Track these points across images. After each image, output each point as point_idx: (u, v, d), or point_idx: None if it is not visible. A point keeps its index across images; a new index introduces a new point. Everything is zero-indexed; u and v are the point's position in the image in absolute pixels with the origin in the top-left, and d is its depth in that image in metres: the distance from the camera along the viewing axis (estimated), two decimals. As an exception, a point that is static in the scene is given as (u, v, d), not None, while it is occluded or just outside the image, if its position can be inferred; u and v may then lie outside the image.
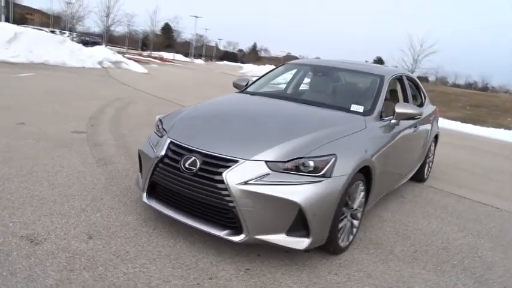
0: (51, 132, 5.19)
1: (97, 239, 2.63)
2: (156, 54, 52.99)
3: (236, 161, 2.48)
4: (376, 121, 3.31)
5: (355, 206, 2.91)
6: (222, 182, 2.44)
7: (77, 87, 10.35)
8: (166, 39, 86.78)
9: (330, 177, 2.50)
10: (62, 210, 2.98)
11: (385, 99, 3.57)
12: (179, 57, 61.15)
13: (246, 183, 2.41)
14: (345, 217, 2.82)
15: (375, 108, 3.38)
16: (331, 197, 2.50)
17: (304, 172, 2.48)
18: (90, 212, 3.02)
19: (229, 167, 2.46)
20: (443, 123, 13.74)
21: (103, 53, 18.39)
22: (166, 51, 69.46)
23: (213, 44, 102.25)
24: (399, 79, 4.14)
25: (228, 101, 3.69)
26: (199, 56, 78.63)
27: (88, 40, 44.68)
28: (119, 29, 73.03)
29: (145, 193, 2.90)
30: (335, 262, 2.76)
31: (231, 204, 2.43)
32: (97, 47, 20.46)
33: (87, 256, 2.42)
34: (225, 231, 2.51)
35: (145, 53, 54.13)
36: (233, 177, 2.43)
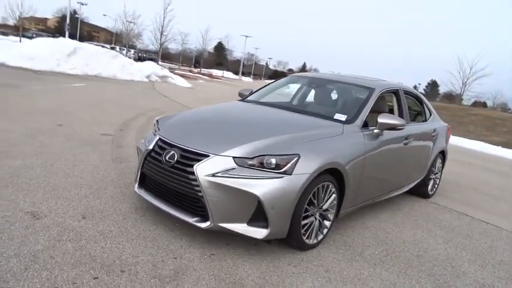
0: (83, 134, 5.80)
1: (89, 219, 3.03)
2: (205, 71, 55.01)
3: (207, 156, 2.79)
4: (357, 129, 3.49)
5: (324, 206, 3.10)
6: (192, 173, 2.75)
7: (120, 97, 11.21)
8: (218, 57, 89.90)
9: (290, 174, 2.73)
10: (68, 196, 3.43)
11: (375, 111, 3.73)
12: (228, 74, 62.98)
13: (213, 175, 2.71)
14: (312, 215, 3.02)
15: (357, 117, 3.56)
16: (290, 193, 2.72)
17: (267, 168, 2.73)
18: (91, 198, 3.45)
19: (200, 160, 2.78)
20: (483, 147, 13.24)
21: (151, 68, 19.59)
22: (217, 69, 71.87)
23: (263, 63, 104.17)
24: (395, 93, 4.27)
25: (223, 107, 4.03)
26: (248, 74, 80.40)
27: (144, 56, 47.54)
28: (173, 47, 76.85)
29: (137, 183, 3.28)
30: (298, 257, 2.96)
31: (199, 193, 2.73)
32: (146, 62, 21.82)
33: (76, 231, 2.81)
34: (195, 218, 2.81)
35: (195, 70, 56.41)
36: (203, 170, 2.73)
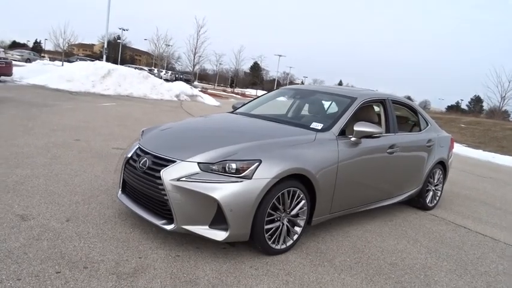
0: (96, 147, 6.17)
1: (72, 222, 3.26)
2: (239, 90, 55.98)
3: (174, 161, 2.96)
4: (332, 137, 3.54)
5: (293, 212, 3.16)
6: (159, 178, 2.93)
7: (145, 115, 11.73)
8: (253, 77, 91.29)
9: (250, 178, 2.84)
10: (60, 201, 3.70)
11: (363, 121, 3.73)
12: (262, 93, 63.71)
13: (178, 179, 2.87)
14: (278, 220, 3.09)
15: (333, 125, 3.63)
16: (249, 197, 2.83)
17: (229, 173, 2.86)
18: (81, 204, 3.70)
19: (167, 165, 2.95)
20: (508, 161, 12.66)
21: (180, 87, 20.31)
22: (252, 88, 72.96)
23: (298, 81, 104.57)
24: (382, 103, 4.29)
25: (207, 118, 4.22)
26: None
27: (181, 77, 49.28)
28: (209, 67, 79.01)
29: (119, 190, 3.50)
30: (263, 260, 3.03)
31: (165, 197, 2.90)
32: (176, 82, 22.62)
33: (55, 232, 3.04)
34: (162, 221, 2.97)
35: (229, 89, 57.57)
36: (169, 175, 2.90)
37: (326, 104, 4.34)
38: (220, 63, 72.28)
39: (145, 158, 3.12)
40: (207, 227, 2.86)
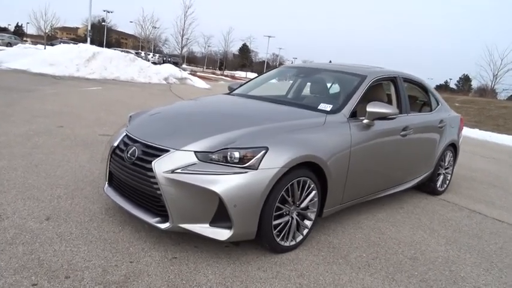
0: (81, 134, 5.72)
1: (52, 221, 2.87)
2: (228, 73, 55.17)
3: (167, 151, 2.57)
4: (343, 120, 3.18)
5: (303, 204, 2.81)
6: (151, 170, 2.54)
7: (132, 99, 11.21)
8: (242, 59, 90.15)
9: (256, 169, 2.47)
10: (40, 196, 3.29)
11: (371, 100, 3.39)
12: (252, 75, 62.93)
13: (172, 171, 2.48)
14: (287, 214, 2.74)
15: (343, 107, 3.26)
16: (256, 190, 2.46)
17: (231, 163, 2.48)
18: (63, 199, 3.30)
19: (159, 155, 2.56)
20: (505, 140, 12.48)
21: (169, 70, 19.67)
22: (241, 71, 72.02)
23: (288, 63, 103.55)
24: (392, 81, 3.92)
25: (203, 100, 3.81)
26: (273, 75, 79.78)
27: (169, 60, 48.18)
28: (197, 50, 77.65)
29: (106, 183, 3.11)
30: (272, 260, 2.69)
31: (158, 192, 2.52)
32: (164, 65, 21.95)
33: (33, 234, 2.65)
34: (156, 219, 2.60)
35: (218, 72, 56.69)
36: (161, 166, 2.51)
37: (332, 83, 3.95)
38: (208, 45, 71.12)
39: (134, 147, 2.72)
40: (208, 225, 2.49)
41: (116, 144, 2.96)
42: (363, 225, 3.54)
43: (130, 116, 3.37)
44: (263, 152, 2.52)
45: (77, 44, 22.68)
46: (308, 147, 2.77)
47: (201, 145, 2.56)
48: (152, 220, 2.59)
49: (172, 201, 2.48)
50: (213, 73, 48.81)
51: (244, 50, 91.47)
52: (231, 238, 2.47)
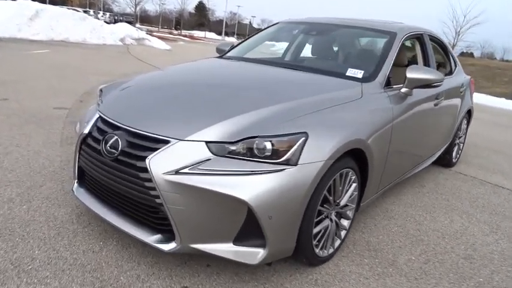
0: (31, 108, 4.72)
1: (2, 242, 2.07)
2: (186, 32, 52.65)
3: (167, 142, 1.81)
4: (380, 89, 2.52)
5: (342, 202, 2.18)
6: (145, 170, 1.78)
7: (87, 63, 9.95)
8: (199, 18, 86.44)
9: (295, 164, 1.78)
10: (-17, 201, 2.45)
11: (397, 64, 2.76)
12: (211, 35, 60.59)
13: (177, 172, 1.74)
14: (326, 217, 2.11)
15: (378, 73, 2.59)
16: (297, 193, 1.79)
17: (260, 157, 1.77)
18: (17, 203, 2.47)
19: (156, 149, 1.80)
20: (486, 100, 12.39)
21: (125, 30, 18.00)
22: (198, 30, 69.06)
23: (246, 21, 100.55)
24: (418, 38, 3.27)
25: (194, 67, 2.99)
26: (232, 34, 77.54)
27: (121, 19, 44.91)
28: (151, 8, 73.32)
29: (75, 181, 2.30)
30: (310, 278, 2.06)
31: (157, 200, 1.78)
32: (119, 24, 20.14)
33: (-25, 266, 1.85)
34: (155, 237, 1.87)
35: (176, 32, 53.95)
36: (160, 164, 1.76)
37: (356, 42, 3.24)
38: (163, 3, 67.15)
39: (116, 137, 1.93)
40: (231, 244, 1.81)
41: (86, 131, 2.14)
42: (393, 213, 2.99)
43: (101, 90, 2.52)
44: (302, 140, 1.83)
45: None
46: (352, 129, 2.10)
47: (215, 132, 1.82)
48: (150, 239, 1.87)
49: (180, 213, 1.75)
50: (170, 33, 46.24)
51: (201, 8, 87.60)
52: (266, 259, 1.81)
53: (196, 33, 56.43)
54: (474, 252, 2.55)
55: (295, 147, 1.80)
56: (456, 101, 3.85)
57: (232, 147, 1.78)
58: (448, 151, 4.11)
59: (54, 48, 12.39)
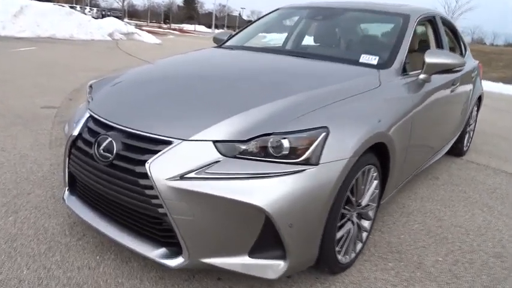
0: (17, 107, 4.46)
1: (-14, 260, 1.83)
2: (175, 26, 51.98)
3: (169, 143, 1.59)
4: (397, 76, 2.31)
5: (364, 202, 1.97)
6: (145, 176, 1.55)
7: (75, 59, 9.62)
8: (188, 11, 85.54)
9: (316, 164, 1.56)
10: (-36, 213, 2.21)
11: (410, 48, 2.55)
12: (200, 28, 59.90)
13: (182, 177, 1.52)
14: (348, 220, 1.90)
15: (394, 58, 2.37)
16: (319, 196, 1.57)
17: (276, 157, 1.55)
18: (2, 214, 2.24)
19: (157, 152, 1.57)
20: (484, 85, 12.25)
21: (113, 25, 17.59)
22: (188, 23, 68.29)
23: (236, 13, 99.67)
24: (431, 21, 3.05)
25: (192, 57, 2.74)
26: (222, 27, 76.81)
27: (109, 14, 44.14)
28: (139, 3, 72.36)
29: (66, 188, 2.07)
30: (332, 287, 1.86)
31: (160, 210, 1.56)
32: (107, 19, 19.70)
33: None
34: (159, 251, 1.65)
35: (165, 26, 53.26)
36: (162, 169, 1.54)
37: (365, 26, 3.02)
38: (151, -3, 66.25)
39: (109, 139, 1.69)
40: (246, 256, 1.59)
41: (75, 132, 1.90)
42: (411, 209, 2.80)
43: (91, 86, 2.27)
44: (323, 135, 1.61)
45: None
46: (375, 121, 1.89)
47: (224, 130, 1.59)
48: (154, 253, 1.65)
49: (187, 224, 1.53)
50: (159, 27, 45.57)
51: (190, 1, 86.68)
52: (286, 272, 1.60)
53: (186, 26, 55.73)
54: (503, 250, 2.37)
55: (315, 144, 1.58)
56: (469, 86, 3.65)
57: (244, 147, 1.56)
58: (460, 140, 3.92)
59: (41, 45, 12.01)
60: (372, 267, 2.04)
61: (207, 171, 1.52)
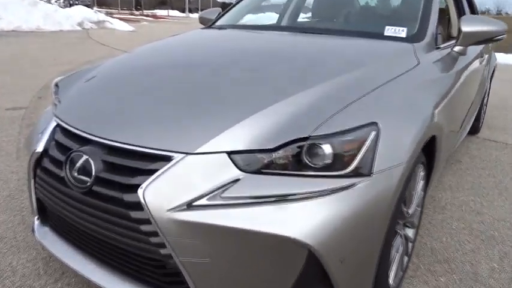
0: (-23, 112, 3.91)
1: None
2: (148, 12, 50.36)
3: (168, 159, 1.16)
4: (432, 50, 1.91)
5: (411, 209, 1.59)
6: (137, 205, 1.13)
7: (43, 52, 8.92)
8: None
9: (369, 174, 1.16)
10: None
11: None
12: (174, 13, 58.12)
13: (190, 205, 1.10)
14: (398, 235, 1.52)
15: (426, 29, 1.96)
16: (374, 217, 1.18)
17: (315, 169, 1.14)
18: (-43, 252, 1.77)
19: (153, 172, 1.14)
20: (499, 57, 12.02)
21: (82, 13, 16.64)
22: (161, 9, 66.30)
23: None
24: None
25: (177, 43, 2.26)
26: (196, 11, 74.88)
27: (77, 3, 42.25)
28: (109, -11, 69.87)
29: (36, 218, 1.62)
30: (384, 321, 1.49)
31: (163, 251, 1.14)
32: (75, 7, 18.67)
33: None
34: (162, 301, 1.24)
35: (137, 12, 51.54)
36: (162, 195, 1.11)
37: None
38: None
39: (85, 156, 1.25)
40: (283, 303, 1.20)
41: (40, 148, 1.44)
42: (443, 202, 2.45)
43: (57, 85, 1.80)
44: (374, 134, 1.20)
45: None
46: (426, 111, 1.50)
47: (240, 136, 1.17)
48: (156, 306, 1.23)
49: (200, 268, 1.12)
50: (131, 14, 43.92)
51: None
52: (336, 320, 1.21)
53: (159, 12, 53.99)
54: (561, 247, 2.04)
55: (365, 147, 1.18)
56: (488, 58, 3.30)
57: (271, 158, 1.15)
58: (477, 117, 3.59)
59: (5, 39, 11.17)
60: (423, 285, 1.68)
61: (223, 195, 1.10)
